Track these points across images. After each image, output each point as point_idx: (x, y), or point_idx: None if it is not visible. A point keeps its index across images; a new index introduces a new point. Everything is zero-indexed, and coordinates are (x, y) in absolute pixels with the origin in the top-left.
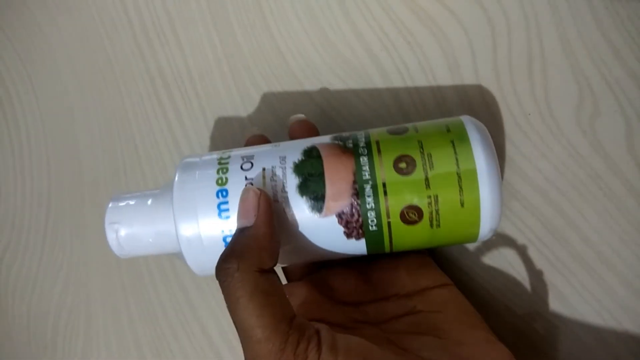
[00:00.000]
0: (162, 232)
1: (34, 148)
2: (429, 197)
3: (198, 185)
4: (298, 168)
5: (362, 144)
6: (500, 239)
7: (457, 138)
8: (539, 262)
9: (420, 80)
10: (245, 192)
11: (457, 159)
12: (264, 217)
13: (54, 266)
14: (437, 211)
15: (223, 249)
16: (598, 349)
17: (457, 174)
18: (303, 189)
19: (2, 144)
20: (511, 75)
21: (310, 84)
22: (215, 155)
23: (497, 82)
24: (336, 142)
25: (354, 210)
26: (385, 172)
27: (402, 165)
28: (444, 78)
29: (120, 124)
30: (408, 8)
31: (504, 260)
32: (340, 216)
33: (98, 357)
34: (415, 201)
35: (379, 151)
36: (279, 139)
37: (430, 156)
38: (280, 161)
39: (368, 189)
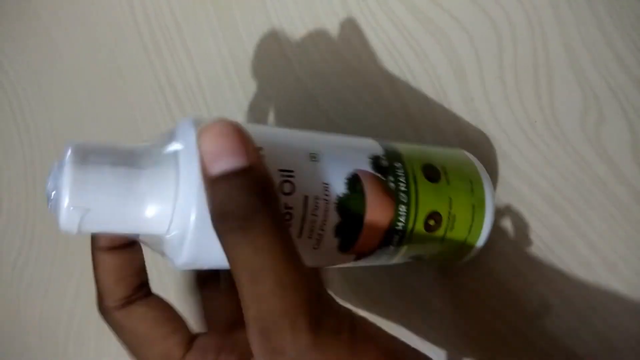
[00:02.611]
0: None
1: (45, 155)
2: (440, 252)
3: None
4: (341, 206)
5: (402, 187)
6: (507, 245)
7: (477, 204)
8: (545, 268)
9: (427, 87)
10: (215, 127)
11: (471, 227)
12: (257, 153)
13: (65, 271)
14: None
15: None
16: (605, 354)
17: (466, 239)
18: (340, 231)
19: (14, 151)
20: (517, 83)
21: (318, 92)
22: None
23: (503, 89)
24: (378, 173)
25: (374, 254)
26: (416, 227)
27: (432, 222)
28: (450, 85)
29: (130, 134)
30: (414, 16)
31: (510, 266)
32: (359, 256)
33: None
34: (426, 254)
35: (416, 202)
36: None
37: (454, 219)
38: (324, 191)
39: (396, 240)
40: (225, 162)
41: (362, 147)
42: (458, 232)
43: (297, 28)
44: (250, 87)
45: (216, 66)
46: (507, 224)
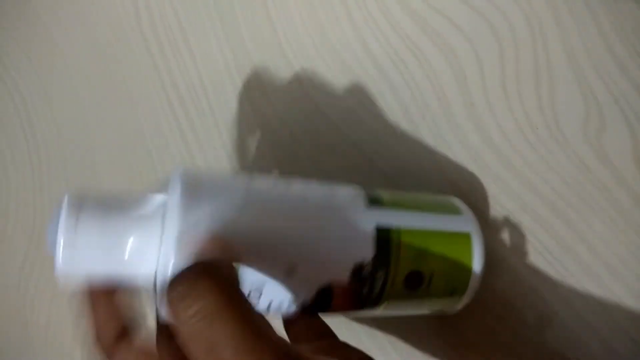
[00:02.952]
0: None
1: (52, 160)
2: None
3: None
4: (306, 308)
5: (375, 294)
6: (509, 251)
7: (459, 289)
8: (548, 273)
9: (429, 94)
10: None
11: (450, 299)
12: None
13: None
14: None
15: None
16: (605, 356)
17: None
18: (297, 310)
19: (21, 156)
20: (518, 89)
21: (321, 98)
22: None
23: (504, 95)
24: (354, 283)
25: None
26: (378, 310)
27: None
28: (452, 92)
29: (135, 137)
30: (416, 25)
31: (512, 272)
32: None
33: None
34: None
35: (381, 302)
36: (291, 153)
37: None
38: (291, 300)
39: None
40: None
41: (351, 252)
42: (432, 302)
43: (299, 33)
44: (252, 88)
45: (219, 67)
46: (505, 235)
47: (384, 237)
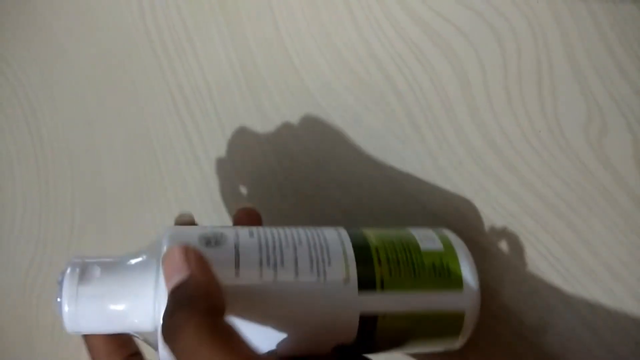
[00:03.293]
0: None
1: (58, 163)
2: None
3: None
4: None
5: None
6: (512, 253)
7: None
8: (550, 275)
9: (433, 98)
10: (168, 253)
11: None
12: (198, 264)
13: None
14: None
15: None
16: (603, 353)
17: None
18: None
19: (27, 160)
20: (521, 93)
21: (325, 100)
22: None
23: (507, 99)
24: (335, 355)
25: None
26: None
27: None
28: (455, 97)
29: (141, 139)
30: (420, 29)
31: (515, 274)
32: None
33: None
34: None
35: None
36: (293, 153)
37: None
38: None
39: None
40: (171, 280)
41: (333, 335)
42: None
43: (304, 36)
44: (257, 92)
45: (225, 72)
46: (507, 237)
47: (369, 326)
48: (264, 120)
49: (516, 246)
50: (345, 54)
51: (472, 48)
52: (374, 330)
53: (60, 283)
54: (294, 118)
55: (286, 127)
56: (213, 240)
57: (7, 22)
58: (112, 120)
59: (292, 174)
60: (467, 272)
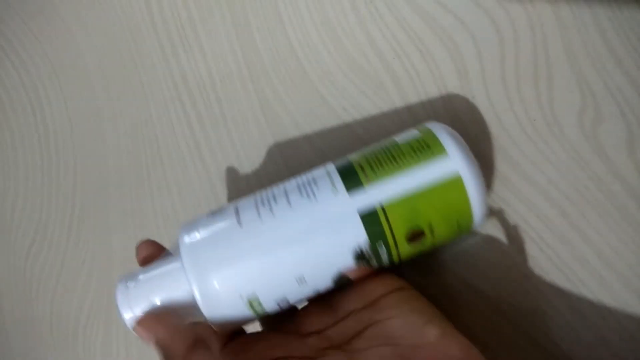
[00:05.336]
0: None
1: (62, 148)
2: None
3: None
4: (330, 289)
5: (385, 260)
6: (504, 238)
7: (464, 230)
8: (542, 261)
9: (431, 86)
10: (135, 330)
11: (459, 232)
12: (162, 329)
13: (77, 261)
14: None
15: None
16: (598, 346)
17: (458, 228)
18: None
19: (31, 143)
20: (518, 83)
21: (326, 89)
22: (242, 300)
23: (504, 88)
24: (361, 262)
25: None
26: (401, 261)
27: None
28: (453, 84)
29: (144, 127)
30: (420, 18)
31: (507, 259)
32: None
33: (117, 350)
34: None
35: (399, 259)
36: (294, 142)
37: (439, 241)
38: (313, 292)
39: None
40: (150, 343)
41: (345, 244)
42: (445, 240)
43: (307, 27)
44: (260, 83)
45: (228, 63)
46: (504, 219)
47: (371, 218)
48: (266, 109)
49: (507, 232)
50: (348, 44)
51: (470, 37)
52: (380, 227)
53: (117, 294)
54: (295, 106)
55: (288, 115)
56: (217, 212)
57: (16, 10)
58: (116, 108)
59: (292, 161)
60: (448, 141)
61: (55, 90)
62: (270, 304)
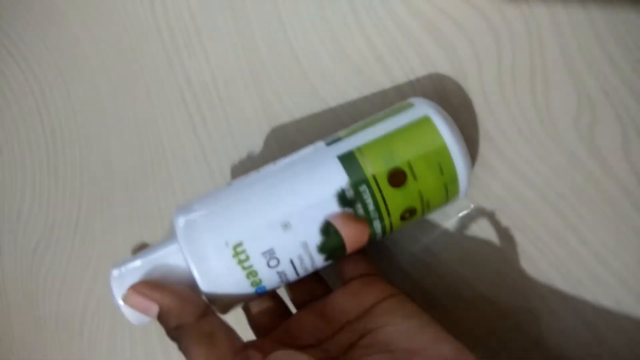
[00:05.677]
0: None
1: (68, 149)
2: (424, 208)
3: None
4: (322, 249)
5: (371, 207)
6: (501, 239)
7: (449, 180)
8: (538, 261)
9: (429, 88)
10: (126, 300)
11: (447, 193)
12: (163, 297)
13: (83, 259)
14: (428, 209)
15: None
16: (595, 345)
17: (446, 200)
18: (328, 259)
19: (38, 145)
20: (514, 84)
21: (326, 91)
22: (231, 257)
23: (500, 90)
24: (346, 208)
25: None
26: (393, 224)
27: (407, 215)
28: (451, 87)
29: (149, 128)
30: (418, 21)
31: (504, 259)
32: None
33: (122, 348)
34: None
35: (388, 212)
36: (295, 143)
37: (429, 204)
38: (303, 248)
39: (379, 237)
40: (149, 312)
41: (327, 186)
42: (436, 204)
43: (307, 31)
44: (262, 85)
45: (231, 66)
46: (501, 220)
47: (349, 160)
48: (268, 111)
49: (505, 232)
50: (347, 47)
51: (468, 41)
52: (359, 167)
53: (110, 280)
54: (296, 108)
55: (289, 117)
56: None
57: (22, 13)
58: (121, 109)
59: None
60: (419, 100)
61: (61, 93)
62: (257, 257)
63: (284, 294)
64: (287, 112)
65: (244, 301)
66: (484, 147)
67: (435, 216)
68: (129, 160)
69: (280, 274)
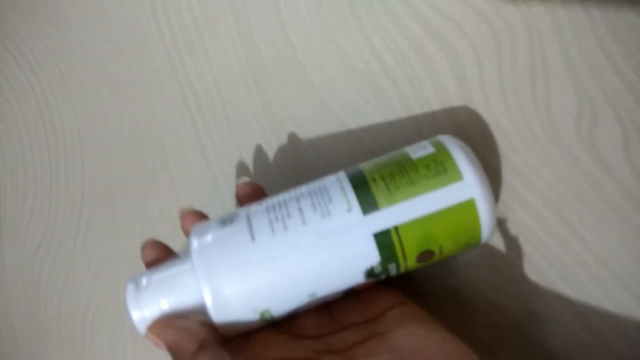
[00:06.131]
0: None
1: (69, 151)
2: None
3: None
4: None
5: (392, 275)
6: (502, 241)
7: (470, 246)
8: (540, 263)
9: (430, 91)
10: (146, 336)
11: (463, 239)
12: (166, 333)
13: (84, 262)
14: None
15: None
16: (596, 346)
17: (465, 244)
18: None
19: (39, 148)
20: (515, 87)
21: (327, 94)
22: (255, 313)
23: (502, 93)
24: (371, 279)
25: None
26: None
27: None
28: (452, 90)
29: (151, 131)
30: (420, 25)
31: (506, 262)
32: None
33: (124, 349)
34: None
35: (406, 270)
36: (297, 146)
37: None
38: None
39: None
40: (160, 347)
41: (358, 262)
42: (450, 256)
43: (308, 34)
44: (263, 88)
45: (233, 68)
46: (507, 223)
47: (385, 241)
48: (269, 113)
49: (506, 235)
50: (349, 50)
51: (469, 44)
52: (393, 249)
53: (126, 297)
54: (297, 110)
55: (290, 119)
56: (228, 220)
57: (24, 14)
58: (123, 111)
59: (296, 165)
60: (464, 162)
61: (62, 94)
62: (280, 315)
63: None
64: (288, 115)
65: (251, 329)
66: (485, 151)
67: None
68: (130, 163)
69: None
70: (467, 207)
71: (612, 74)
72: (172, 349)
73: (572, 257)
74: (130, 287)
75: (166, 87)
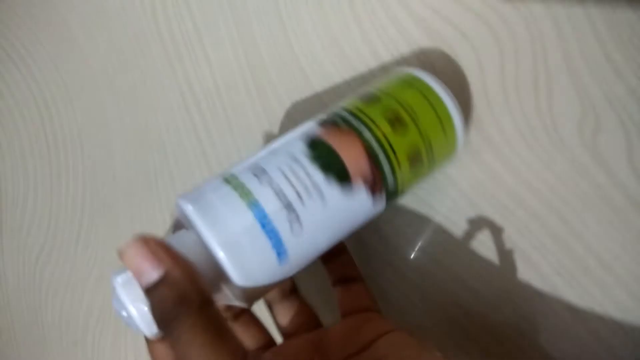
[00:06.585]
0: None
1: (71, 156)
2: (425, 142)
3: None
4: (315, 159)
5: (350, 118)
6: (505, 245)
7: (424, 89)
8: (543, 267)
9: None
10: (127, 248)
11: (432, 106)
12: (172, 258)
13: (86, 265)
14: (431, 148)
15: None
16: (600, 350)
17: (437, 117)
18: (328, 171)
19: (40, 152)
20: (517, 92)
21: (328, 97)
22: (219, 180)
23: (504, 98)
24: (327, 124)
25: (373, 171)
26: (384, 132)
27: (397, 124)
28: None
29: (152, 133)
30: (421, 29)
31: (509, 265)
32: (366, 182)
33: (126, 353)
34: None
35: (371, 120)
36: None
37: (430, 143)
38: (292, 161)
39: (379, 152)
40: (145, 277)
41: (305, 124)
42: (437, 143)
43: (309, 37)
44: (264, 91)
45: (233, 71)
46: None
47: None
48: (270, 116)
49: (510, 238)
50: (350, 54)
51: (471, 48)
52: (338, 109)
53: (114, 290)
54: (298, 113)
55: (291, 122)
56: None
57: (23, 18)
58: (123, 115)
59: None
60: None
61: (63, 99)
62: (245, 175)
63: (271, 321)
64: (289, 117)
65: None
66: (487, 154)
67: (436, 218)
68: (131, 167)
69: (277, 193)
70: (408, 75)
71: (615, 79)
72: (174, 285)
73: (575, 261)
74: (119, 280)
75: (167, 90)
